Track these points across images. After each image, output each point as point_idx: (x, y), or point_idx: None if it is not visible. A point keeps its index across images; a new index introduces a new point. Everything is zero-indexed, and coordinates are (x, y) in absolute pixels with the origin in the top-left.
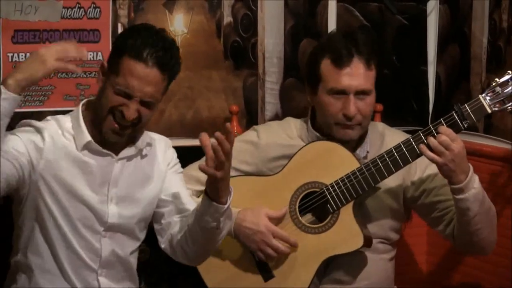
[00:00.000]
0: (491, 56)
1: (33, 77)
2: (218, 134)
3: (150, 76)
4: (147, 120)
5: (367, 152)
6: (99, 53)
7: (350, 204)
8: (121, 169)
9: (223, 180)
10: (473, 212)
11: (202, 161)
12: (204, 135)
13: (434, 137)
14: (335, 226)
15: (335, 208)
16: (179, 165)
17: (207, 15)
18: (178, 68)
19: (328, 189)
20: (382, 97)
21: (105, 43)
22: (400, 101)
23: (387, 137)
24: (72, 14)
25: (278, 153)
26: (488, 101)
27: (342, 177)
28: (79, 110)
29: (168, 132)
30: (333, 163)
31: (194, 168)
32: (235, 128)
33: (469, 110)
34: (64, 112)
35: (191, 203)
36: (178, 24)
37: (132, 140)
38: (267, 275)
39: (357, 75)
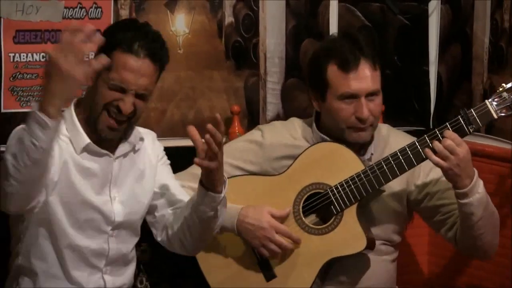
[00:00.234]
0: (492, 56)
1: (70, 96)
2: (209, 126)
3: (143, 68)
4: (141, 112)
5: (372, 154)
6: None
7: (354, 206)
8: (119, 167)
9: (218, 170)
10: (477, 217)
11: None
12: (192, 128)
13: (440, 141)
14: (339, 227)
15: (339, 210)
16: (166, 157)
17: (209, 15)
18: (167, 59)
19: (332, 191)
20: (384, 97)
21: None
22: (401, 101)
23: (391, 139)
24: (74, 14)
25: (282, 153)
26: (495, 106)
27: (347, 179)
28: (71, 111)
29: (170, 132)
30: (338, 165)
31: (198, 167)
32: (237, 128)
33: (475, 115)
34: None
35: (183, 194)
36: (179, 24)
37: (125, 135)
38: (269, 275)
39: (365, 77)
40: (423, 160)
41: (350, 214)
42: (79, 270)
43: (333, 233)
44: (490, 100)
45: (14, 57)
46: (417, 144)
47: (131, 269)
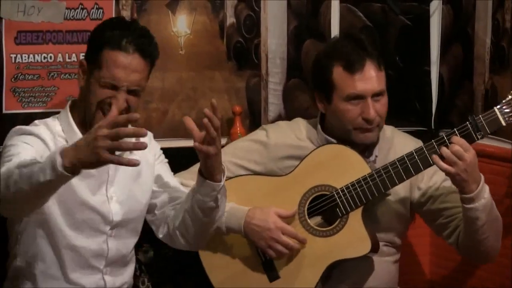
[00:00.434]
0: (494, 56)
1: (86, 166)
2: (206, 110)
3: (133, 64)
4: (135, 109)
5: (376, 156)
6: None
7: (360, 209)
8: (116, 167)
9: (216, 156)
10: (481, 222)
11: None
12: (188, 118)
13: (447, 146)
14: (343, 230)
15: (344, 213)
16: (163, 155)
17: (210, 15)
18: (157, 54)
19: (338, 193)
20: None
21: None
22: (403, 101)
23: (395, 140)
24: (75, 15)
25: (287, 153)
26: (503, 113)
27: (353, 182)
28: (67, 112)
29: (171, 132)
30: (344, 167)
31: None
32: (238, 128)
33: (483, 122)
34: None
35: (181, 191)
36: (181, 25)
37: None
38: (273, 276)
39: (371, 78)
40: (430, 165)
41: (355, 217)
42: (79, 271)
43: (338, 235)
44: (498, 107)
45: (15, 58)
46: (424, 149)
47: (130, 268)
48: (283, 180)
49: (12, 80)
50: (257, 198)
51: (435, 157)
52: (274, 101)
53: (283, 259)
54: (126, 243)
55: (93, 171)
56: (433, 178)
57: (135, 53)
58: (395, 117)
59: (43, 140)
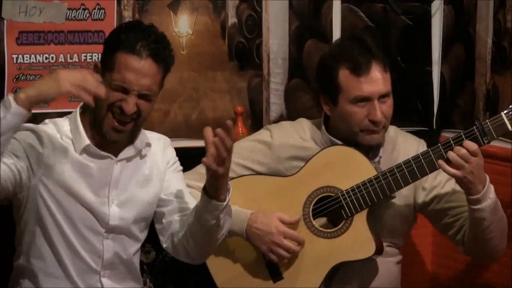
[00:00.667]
0: (495, 57)
1: (45, 95)
2: (219, 130)
3: (145, 68)
4: (146, 114)
5: (380, 157)
6: None
7: (365, 212)
8: (121, 171)
9: (223, 177)
10: (488, 222)
11: None
12: (208, 130)
13: (453, 150)
14: (348, 232)
15: (349, 215)
16: (178, 163)
17: (212, 16)
18: (171, 60)
19: (343, 195)
20: None
21: None
22: (404, 101)
23: (399, 141)
24: (77, 15)
25: (291, 154)
26: (510, 118)
27: (358, 184)
28: (76, 113)
29: (173, 133)
30: (350, 169)
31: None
32: (240, 129)
33: (490, 127)
34: (69, 114)
35: (192, 202)
36: (182, 25)
37: (131, 139)
38: (276, 276)
39: (377, 80)
40: (436, 169)
41: (360, 219)
42: (77, 270)
43: (342, 237)
44: (505, 112)
45: (17, 58)
46: (430, 152)
47: (134, 277)
48: (288, 180)
49: (14, 80)
50: (262, 198)
51: (441, 163)
52: (275, 101)
53: (287, 259)
54: (124, 248)
55: (94, 171)
56: (437, 178)
57: (148, 58)
58: (396, 117)
59: (40, 138)
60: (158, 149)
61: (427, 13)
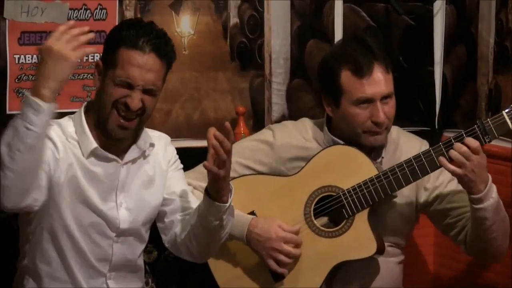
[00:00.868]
0: (498, 56)
1: (64, 77)
2: (218, 134)
3: (149, 63)
4: (150, 110)
5: (382, 157)
6: None
7: (366, 211)
8: (127, 173)
9: (224, 179)
10: (490, 221)
11: None
12: (212, 130)
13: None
14: (349, 231)
15: (350, 214)
16: (178, 161)
17: (214, 16)
18: (173, 55)
19: (344, 194)
20: None
21: None
22: (406, 101)
23: (401, 141)
24: (79, 15)
25: (293, 154)
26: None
27: (360, 183)
28: (81, 113)
29: (174, 133)
30: (352, 169)
31: None
32: (242, 129)
33: (491, 125)
34: (70, 114)
35: (194, 201)
36: (184, 25)
37: (134, 137)
38: (278, 276)
39: (379, 81)
40: (437, 168)
41: (361, 219)
42: (83, 273)
43: (343, 236)
44: (507, 111)
45: (19, 58)
46: (432, 151)
47: (139, 277)
48: (289, 180)
49: (16, 80)
50: (263, 198)
51: (442, 159)
52: (277, 101)
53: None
54: (132, 249)
55: (103, 176)
56: (439, 178)
57: (151, 52)
58: (398, 117)
59: (54, 143)
60: (159, 148)
61: (429, 13)
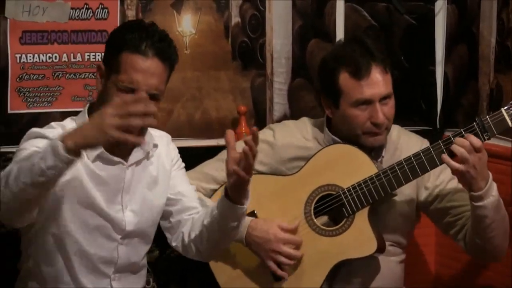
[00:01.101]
0: (499, 56)
1: (91, 144)
2: (248, 139)
3: (152, 68)
4: (154, 113)
5: (382, 157)
6: None
7: (366, 209)
8: (132, 175)
9: (248, 182)
10: (489, 220)
11: (218, 161)
12: (230, 133)
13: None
14: (349, 230)
15: (351, 212)
16: (180, 160)
17: (215, 15)
18: (176, 58)
19: (344, 193)
20: None
21: None
22: (408, 101)
23: (401, 140)
24: (80, 15)
25: (293, 154)
26: (511, 114)
27: (360, 182)
28: (85, 115)
29: (176, 132)
30: (351, 167)
31: (211, 167)
32: (243, 128)
33: (490, 123)
34: (72, 113)
35: (197, 199)
36: (186, 25)
37: None
38: (278, 275)
39: (378, 82)
40: (436, 165)
41: (362, 217)
42: (88, 276)
43: (344, 235)
44: (506, 108)
45: (20, 58)
46: (431, 149)
47: (141, 277)
48: (289, 179)
49: (17, 80)
50: (263, 197)
51: (445, 157)
52: (279, 101)
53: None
54: (137, 251)
55: (109, 179)
56: (440, 177)
57: (154, 57)
58: (400, 116)
59: None
60: (162, 147)
61: (430, 12)
